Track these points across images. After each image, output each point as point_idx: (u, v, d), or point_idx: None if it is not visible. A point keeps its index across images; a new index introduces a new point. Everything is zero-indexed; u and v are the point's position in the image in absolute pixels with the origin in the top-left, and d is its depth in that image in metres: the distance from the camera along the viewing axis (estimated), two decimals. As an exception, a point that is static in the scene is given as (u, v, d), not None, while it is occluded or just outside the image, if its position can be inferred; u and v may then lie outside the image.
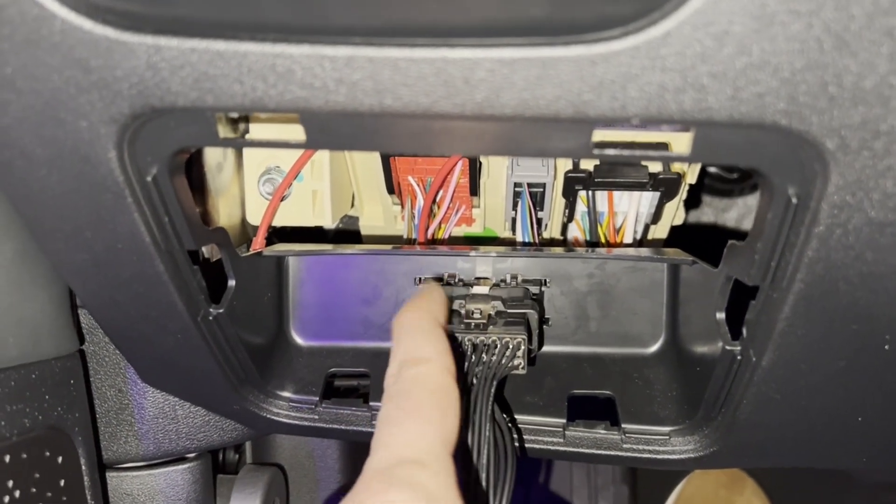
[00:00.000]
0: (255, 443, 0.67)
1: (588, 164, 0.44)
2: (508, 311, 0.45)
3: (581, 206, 0.47)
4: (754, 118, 0.25)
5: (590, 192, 0.46)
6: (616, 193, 0.47)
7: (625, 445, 0.44)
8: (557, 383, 0.48)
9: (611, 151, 0.30)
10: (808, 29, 0.23)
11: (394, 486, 0.29)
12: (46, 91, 0.28)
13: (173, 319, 0.39)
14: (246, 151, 0.47)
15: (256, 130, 0.33)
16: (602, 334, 0.49)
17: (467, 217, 0.51)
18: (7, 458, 0.39)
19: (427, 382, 0.34)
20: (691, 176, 0.45)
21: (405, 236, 0.49)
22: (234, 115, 0.32)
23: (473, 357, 0.42)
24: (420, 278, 0.49)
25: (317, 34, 0.26)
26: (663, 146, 0.31)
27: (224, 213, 0.49)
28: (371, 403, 0.47)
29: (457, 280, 0.47)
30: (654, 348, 0.49)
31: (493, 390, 0.40)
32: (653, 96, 0.25)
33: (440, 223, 0.49)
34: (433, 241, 0.49)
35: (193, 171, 0.46)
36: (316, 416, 0.48)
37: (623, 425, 0.45)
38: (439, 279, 0.48)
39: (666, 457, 0.44)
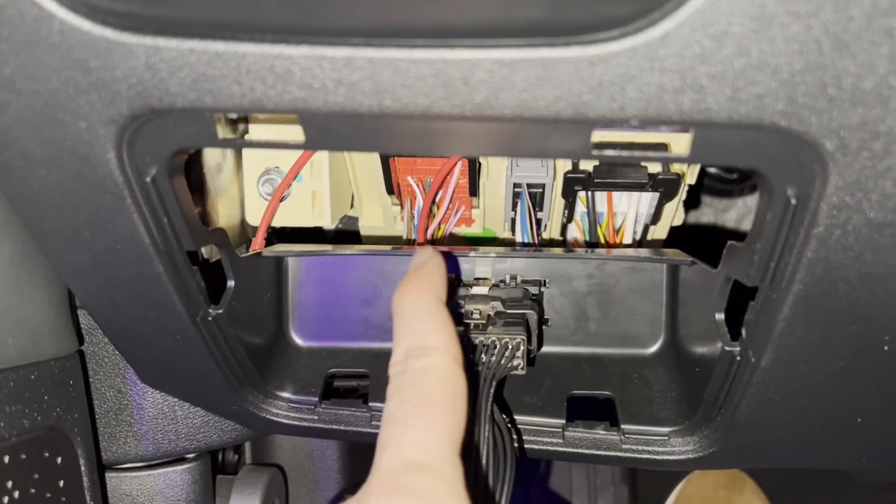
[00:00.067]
0: (255, 443, 0.67)
1: (587, 165, 0.44)
2: (508, 311, 0.45)
3: (580, 207, 0.47)
4: (753, 119, 0.25)
5: (589, 193, 0.46)
6: (615, 194, 0.47)
7: (624, 446, 0.44)
8: (557, 384, 0.48)
9: (610, 152, 0.30)
10: (807, 30, 0.23)
11: (402, 493, 0.28)
12: (45, 92, 0.28)
13: (172, 320, 0.39)
14: (245, 152, 0.47)
15: (255, 131, 0.33)
16: (601, 335, 0.49)
17: (467, 217, 0.51)
18: (6, 459, 0.39)
19: (435, 375, 0.33)
20: (691, 176, 0.45)
21: (404, 237, 0.49)
22: (233, 115, 0.31)
23: (473, 357, 0.42)
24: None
25: (316, 35, 0.26)
26: (662, 147, 0.31)
27: (223, 214, 0.49)
28: (371, 404, 0.47)
29: (456, 280, 0.47)
30: (653, 349, 0.49)
31: (492, 391, 0.40)
32: (652, 97, 0.25)
33: (440, 224, 0.49)
34: (433, 242, 0.49)
35: (193, 171, 0.46)
36: (315, 417, 0.47)
37: (622, 426, 0.45)
38: None
39: (665, 457, 0.44)
